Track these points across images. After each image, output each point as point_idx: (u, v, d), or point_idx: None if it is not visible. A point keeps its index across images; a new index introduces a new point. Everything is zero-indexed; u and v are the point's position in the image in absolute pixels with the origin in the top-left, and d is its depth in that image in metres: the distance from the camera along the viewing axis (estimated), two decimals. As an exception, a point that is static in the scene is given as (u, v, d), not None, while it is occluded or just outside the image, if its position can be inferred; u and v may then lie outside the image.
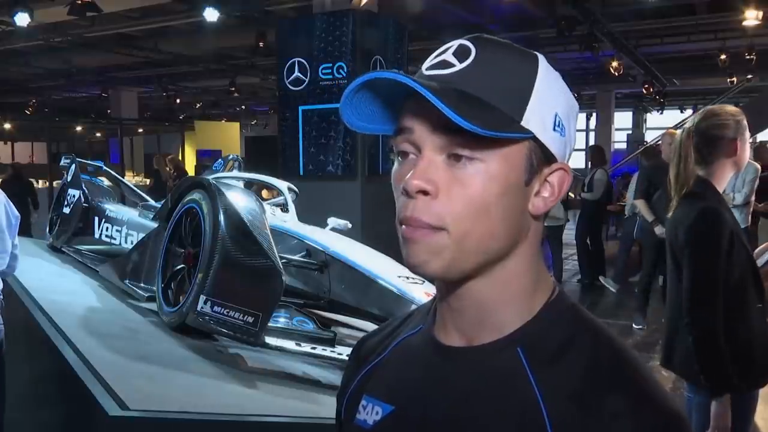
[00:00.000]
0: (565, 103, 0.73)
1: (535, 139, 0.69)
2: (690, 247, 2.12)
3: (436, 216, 0.67)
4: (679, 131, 2.31)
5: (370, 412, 0.78)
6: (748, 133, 2.21)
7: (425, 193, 0.67)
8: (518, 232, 0.71)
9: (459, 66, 0.69)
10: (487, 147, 0.66)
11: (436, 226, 0.67)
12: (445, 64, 0.69)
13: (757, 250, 2.43)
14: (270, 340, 2.48)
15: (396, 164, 0.72)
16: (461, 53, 0.69)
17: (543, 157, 0.70)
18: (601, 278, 7.94)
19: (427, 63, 0.72)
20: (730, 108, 2.27)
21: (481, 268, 0.70)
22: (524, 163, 0.69)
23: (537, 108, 0.69)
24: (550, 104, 0.70)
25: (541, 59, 0.72)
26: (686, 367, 2.17)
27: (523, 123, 0.68)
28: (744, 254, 2.12)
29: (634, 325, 6.10)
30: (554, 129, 0.70)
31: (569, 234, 8.55)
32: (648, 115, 22.32)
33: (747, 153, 2.22)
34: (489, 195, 0.67)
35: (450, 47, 0.71)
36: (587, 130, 23.16)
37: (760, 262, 2.36)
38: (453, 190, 0.67)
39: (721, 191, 2.21)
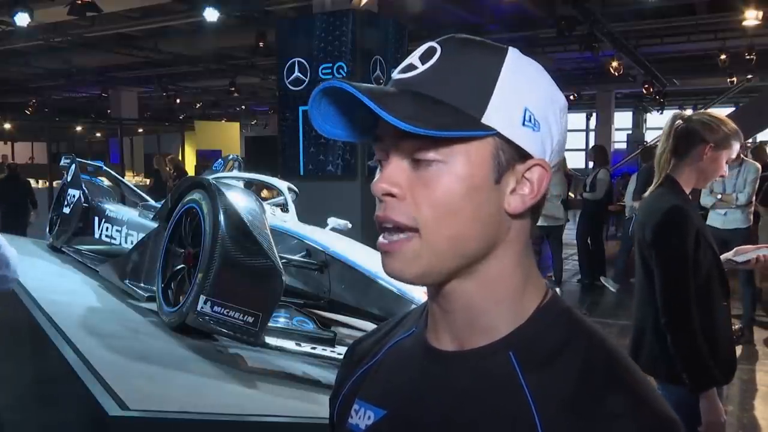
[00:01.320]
0: (540, 97, 0.70)
1: (501, 135, 0.67)
2: (657, 248, 2.13)
3: (405, 216, 0.67)
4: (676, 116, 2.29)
5: (363, 417, 0.77)
6: (727, 153, 2.18)
7: (392, 195, 0.67)
8: (495, 231, 0.69)
9: (421, 68, 0.69)
10: (447, 147, 0.66)
11: (408, 225, 0.67)
12: (410, 68, 0.70)
13: (738, 248, 2.43)
14: (270, 340, 2.48)
15: (377, 171, 0.72)
16: (426, 55, 0.69)
17: (515, 154, 0.68)
18: (601, 278, 7.94)
19: (398, 68, 0.72)
20: (732, 124, 2.22)
21: (462, 270, 0.70)
22: (490, 161, 0.67)
23: (501, 103, 0.67)
24: (517, 99, 0.68)
25: (511, 53, 0.70)
26: (652, 365, 2.19)
27: (484, 120, 0.66)
28: (710, 253, 2.14)
29: None
30: (524, 124, 0.68)
31: (569, 234, 8.55)
32: (648, 115, 22.31)
33: (715, 170, 2.19)
34: (453, 195, 0.66)
35: (419, 50, 0.71)
36: (587, 130, 23.17)
37: (741, 258, 2.36)
38: (417, 192, 0.67)
39: (687, 191, 2.21)
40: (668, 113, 19.26)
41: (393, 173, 0.68)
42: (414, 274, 0.69)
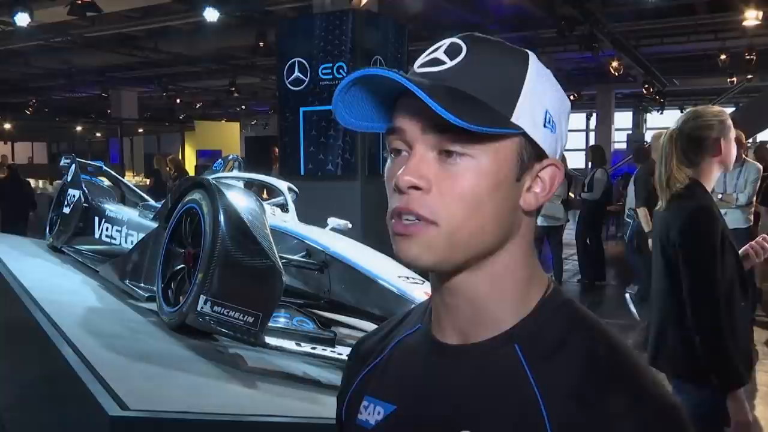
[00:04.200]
0: (556, 100, 0.73)
1: (525, 135, 0.70)
2: (686, 248, 2.13)
3: (428, 209, 0.68)
4: (663, 133, 2.32)
5: (372, 412, 0.78)
6: (732, 132, 2.23)
7: (417, 188, 0.68)
8: (509, 227, 0.71)
9: (450, 63, 0.70)
10: (477, 143, 0.67)
11: (429, 219, 0.68)
12: (436, 62, 0.71)
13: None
14: (270, 340, 2.48)
15: (389, 161, 0.73)
16: (452, 51, 0.71)
17: (534, 154, 0.71)
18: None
19: (419, 61, 0.73)
20: (714, 108, 2.29)
21: (472, 262, 0.71)
22: (515, 159, 0.70)
23: (527, 105, 0.70)
24: (540, 101, 0.71)
25: (532, 57, 0.72)
26: (675, 365, 2.19)
27: (513, 119, 0.69)
28: (732, 253, 2.15)
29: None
30: (545, 125, 0.71)
31: (569, 234, 8.55)
32: (648, 115, 22.31)
33: (733, 152, 2.24)
34: (480, 190, 0.68)
35: (441, 45, 0.72)
36: (587, 130, 23.16)
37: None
38: (444, 185, 0.68)
39: (710, 191, 2.23)
40: (668, 113, 19.33)
41: (420, 166, 0.68)
42: (429, 262, 0.70)
